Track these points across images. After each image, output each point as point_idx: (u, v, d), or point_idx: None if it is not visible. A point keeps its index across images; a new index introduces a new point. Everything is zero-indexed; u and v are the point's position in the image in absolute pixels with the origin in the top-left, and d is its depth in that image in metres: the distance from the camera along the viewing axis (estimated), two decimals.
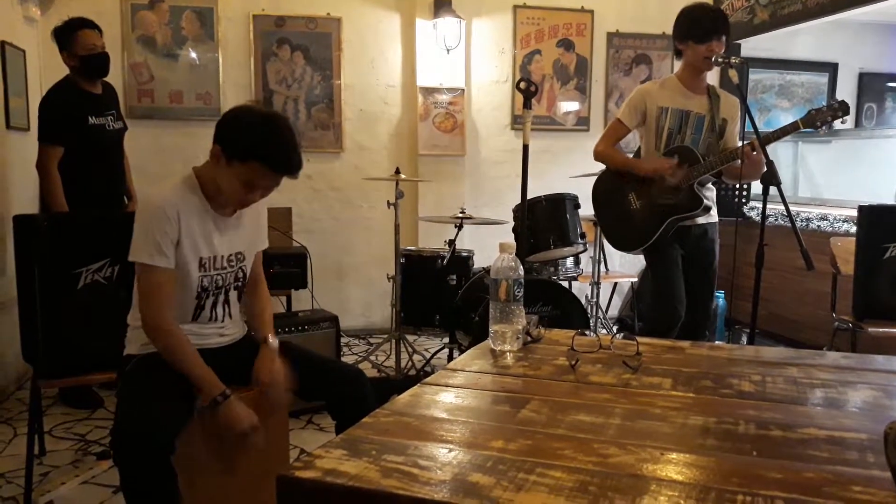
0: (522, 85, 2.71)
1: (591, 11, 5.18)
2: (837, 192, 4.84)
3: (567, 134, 5.26)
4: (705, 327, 3.02)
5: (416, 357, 4.12)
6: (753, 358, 1.56)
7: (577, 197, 3.75)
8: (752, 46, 5.24)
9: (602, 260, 4.42)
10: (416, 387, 1.29)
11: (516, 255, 1.56)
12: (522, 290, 1.53)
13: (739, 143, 2.83)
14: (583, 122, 5.28)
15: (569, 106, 5.26)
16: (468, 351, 1.57)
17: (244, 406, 1.88)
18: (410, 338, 4.34)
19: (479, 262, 4.01)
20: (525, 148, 2.76)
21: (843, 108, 2.66)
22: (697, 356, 1.57)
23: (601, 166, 3.16)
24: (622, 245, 3.12)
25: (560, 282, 3.77)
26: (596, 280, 4.33)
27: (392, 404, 1.19)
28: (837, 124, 2.76)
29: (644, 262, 3.29)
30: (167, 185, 1.94)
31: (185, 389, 1.84)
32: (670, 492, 0.87)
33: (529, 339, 1.62)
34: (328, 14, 4.82)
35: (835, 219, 4.02)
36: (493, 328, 1.56)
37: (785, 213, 2.48)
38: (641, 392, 1.28)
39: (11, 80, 3.65)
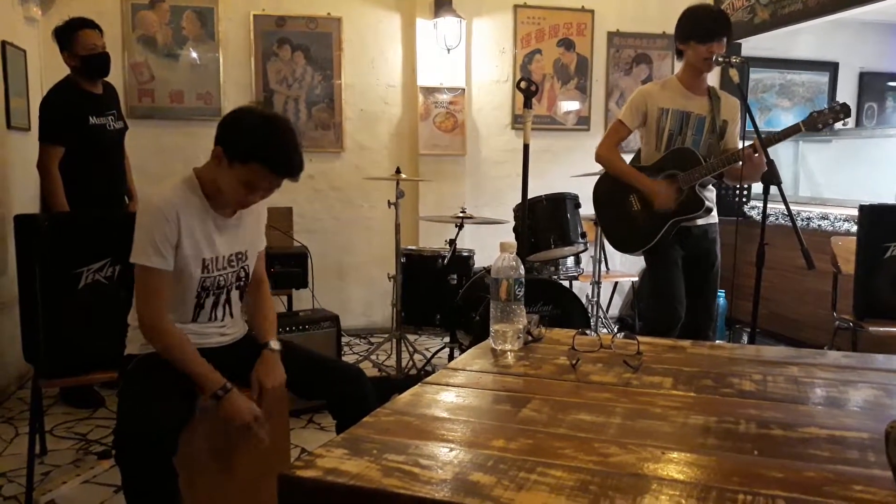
0: (523, 84, 2.71)
1: (592, 11, 5.18)
2: (838, 191, 4.85)
3: (567, 133, 5.26)
4: (708, 328, 3.01)
5: (416, 356, 4.12)
6: (754, 357, 1.56)
7: (577, 196, 3.74)
8: (752, 46, 5.24)
9: (603, 259, 4.42)
10: (416, 386, 1.29)
11: (517, 254, 1.56)
12: (523, 289, 1.53)
13: (740, 144, 2.83)
14: (583, 122, 5.28)
15: (569, 105, 5.26)
16: (469, 350, 1.57)
17: (245, 399, 1.89)
18: (411, 337, 4.33)
19: (479, 262, 4.01)
20: (526, 147, 2.76)
21: (844, 111, 2.66)
22: (698, 355, 1.57)
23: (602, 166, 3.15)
24: (624, 246, 3.11)
25: (561, 281, 3.77)
26: (596, 279, 4.33)
27: (393, 403, 1.19)
28: (838, 124, 2.76)
29: (644, 262, 3.29)
30: (167, 185, 1.94)
31: (186, 389, 1.84)
32: (671, 491, 0.87)
33: (530, 338, 1.62)
34: (328, 14, 4.82)
35: (835, 218, 4.02)
36: (493, 327, 1.56)
37: (786, 212, 2.48)
38: (642, 391, 1.28)
39: (12, 80, 3.66)
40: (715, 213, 2.99)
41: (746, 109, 2.62)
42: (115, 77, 3.82)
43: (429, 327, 3.98)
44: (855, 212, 3.43)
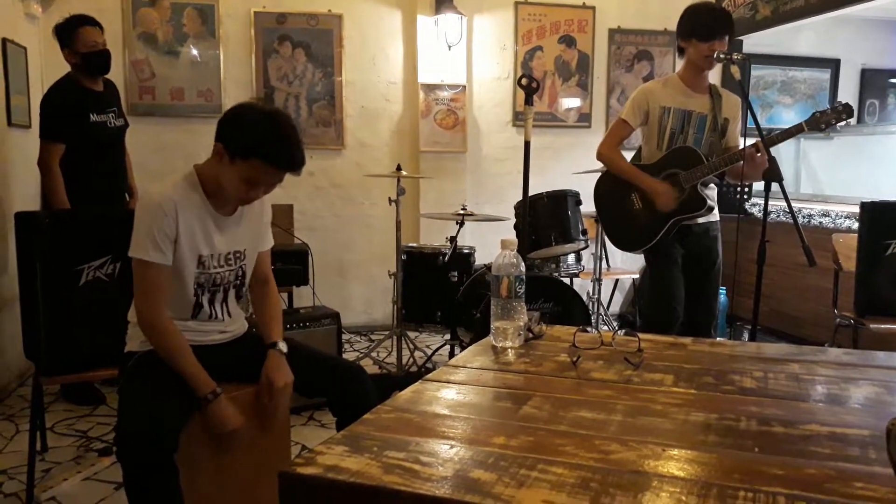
0: (524, 81, 2.70)
1: (593, 8, 5.17)
2: (839, 188, 4.84)
3: (569, 130, 5.25)
4: (709, 327, 3.00)
5: (417, 354, 4.12)
6: (755, 354, 1.56)
7: (578, 193, 3.74)
8: (754, 42, 5.23)
9: (604, 256, 4.41)
10: (417, 383, 1.29)
11: (518, 251, 1.56)
12: (524, 286, 1.53)
13: (741, 142, 2.83)
14: (584, 119, 5.27)
15: (570, 102, 5.25)
16: (470, 347, 1.57)
17: (232, 407, 1.89)
18: (412, 334, 4.34)
19: (480, 259, 4.01)
20: (527, 144, 2.75)
21: (847, 111, 2.66)
22: (699, 353, 1.57)
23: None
24: (625, 245, 3.11)
25: (561, 278, 3.77)
26: (597, 277, 4.33)
27: (393, 401, 1.19)
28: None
29: (644, 260, 3.29)
30: (168, 182, 1.94)
31: (187, 386, 1.84)
32: (672, 488, 0.87)
33: (531, 335, 1.62)
34: (329, 11, 4.81)
35: (836, 215, 4.01)
36: (494, 325, 1.56)
37: (787, 209, 2.48)
38: (643, 388, 1.28)
39: (13, 77, 3.65)
40: (716, 210, 2.99)
41: (748, 107, 2.61)
42: (116, 74, 3.82)
43: (429, 324, 3.98)
44: (856, 209, 3.42)
